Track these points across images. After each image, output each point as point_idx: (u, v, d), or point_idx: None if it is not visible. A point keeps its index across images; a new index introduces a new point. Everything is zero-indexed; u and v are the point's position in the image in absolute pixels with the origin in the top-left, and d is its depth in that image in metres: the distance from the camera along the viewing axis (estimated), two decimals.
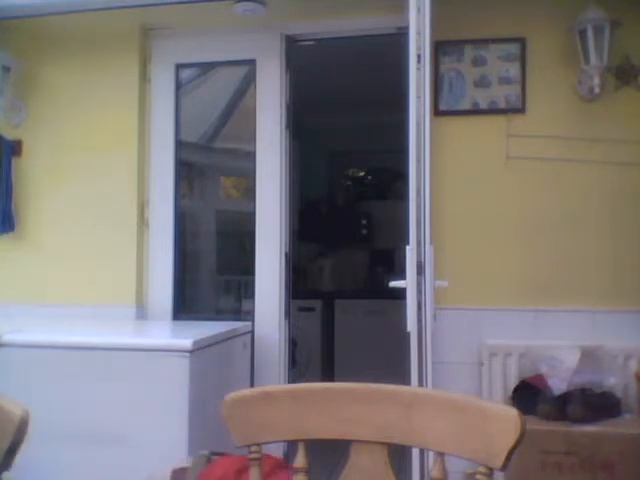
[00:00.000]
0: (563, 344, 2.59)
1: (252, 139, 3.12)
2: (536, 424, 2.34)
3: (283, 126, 3.09)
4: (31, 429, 1.05)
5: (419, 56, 2.09)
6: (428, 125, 2.10)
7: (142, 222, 3.17)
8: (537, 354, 2.61)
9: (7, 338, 2.38)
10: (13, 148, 3.21)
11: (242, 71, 3.32)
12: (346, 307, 5.02)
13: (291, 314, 3.13)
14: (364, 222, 5.67)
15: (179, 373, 2.24)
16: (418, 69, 2.09)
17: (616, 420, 2.41)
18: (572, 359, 2.50)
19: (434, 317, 2.10)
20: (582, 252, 2.75)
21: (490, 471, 1.01)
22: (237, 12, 2.93)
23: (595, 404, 2.39)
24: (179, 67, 3.23)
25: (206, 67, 3.39)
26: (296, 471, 1.18)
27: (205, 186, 3.70)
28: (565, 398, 2.40)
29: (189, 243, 3.41)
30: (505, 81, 2.84)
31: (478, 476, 1.01)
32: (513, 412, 1.00)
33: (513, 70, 2.83)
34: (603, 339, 2.61)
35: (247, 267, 3.12)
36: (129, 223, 3.14)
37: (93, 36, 3.18)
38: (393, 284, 2.17)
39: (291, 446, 2.73)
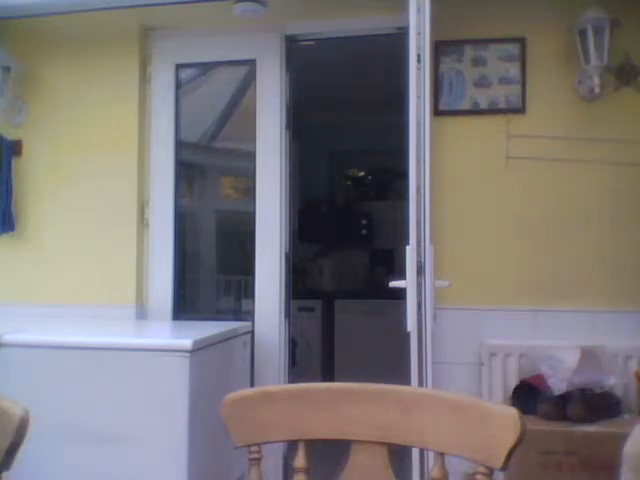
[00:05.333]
0: (563, 344, 2.59)
1: (252, 139, 3.11)
2: (536, 424, 2.34)
3: (283, 126, 3.09)
4: (31, 429, 1.05)
5: (419, 56, 2.10)
6: (428, 125, 2.10)
7: (142, 222, 3.17)
8: (537, 354, 2.61)
9: (7, 338, 2.38)
10: (13, 148, 3.21)
11: (242, 71, 3.32)
12: (346, 307, 5.01)
13: (291, 314, 3.13)
14: (364, 222, 5.67)
15: (179, 373, 2.23)
16: (418, 69, 2.09)
17: (616, 420, 2.41)
18: (572, 359, 2.50)
19: (434, 317, 2.11)
20: (582, 252, 2.75)
21: (490, 471, 1.01)
22: (237, 12, 2.92)
23: (595, 404, 2.39)
24: (179, 67, 3.23)
25: (206, 67, 3.38)
26: (296, 471, 1.18)
27: (205, 186, 3.70)
28: (565, 398, 2.40)
29: (189, 243, 3.41)
30: (505, 81, 2.84)
31: (478, 476, 1.02)
32: (513, 412, 1.00)
33: (513, 70, 2.83)
34: (603, 339, 2.61)
35: (247, 267, 3.12)
36: (129, 223, 3.14)
37: (93, 36, 3.18)
38: (393, 284, 2.17)
39: (291, 446, 2.73)
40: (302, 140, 3.98)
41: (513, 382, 2.65)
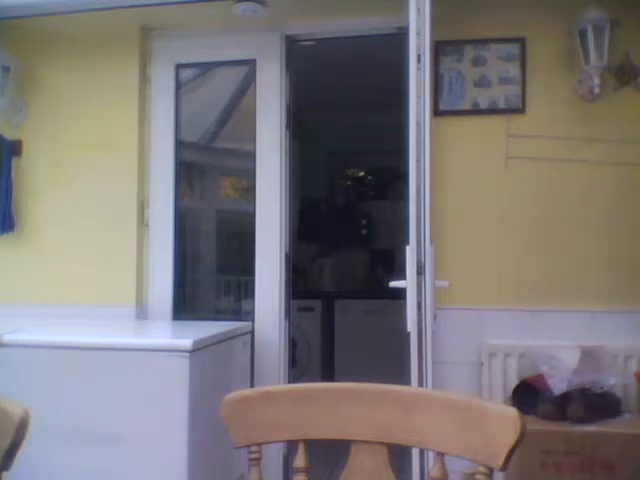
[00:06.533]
0: (563, 344, 2.59)
1: (252, 139, 3.11)
2: (536, 424, 2.34)
3: (283, 126, 3.09)
4: (31, 429, 1.05)
5: (419, 56, 2.10)
6: (428, 125, 2.10)
7: (142, 222, 3.17)
8: (537, 354, 2.61)
9: (7, 338, 2.38)
10: (13, 148, 3.21)
11: (242, 71, 3.32)
12: (346, 307, 5.02)
13: (291, 314, 3.13)
14: (364, 222, 5.67)
15: (179, 373, 2.23)
16: (418, 69, 2.10)
17: (616, 420, 2.41)
18: (572, 359, 2.50)
19: (434, 317, 2.11)
20: (582, 252, 2.75)
21: (490, 471, 1.01)
22: (237, 12, 2.92)
23: (595, 404, 2.39)
24: (179, 67, 3.23)
25: (206, 67, 3.38)
26: (296, 471, 1.18)
27: (205, 186, 3.70)
28: (565, 398, 2.40)
29: (189, 243, 3.40)
30: (505, 81, 2.84)
31: (478, 476, 1.02)
32: (513, 412, 1.00)
33: (513, 70, 2.83)
34: (603, 339, 2.61)
35: (247, 267, 3.12)
36: (129, 223, 3.14)
37: (93, 36, 3.18)
38: (393, 284, 2.17)
39: (291, 446, 2.73)
40: (302, 140, 3.98)
41: (513, 382, 2.65)
